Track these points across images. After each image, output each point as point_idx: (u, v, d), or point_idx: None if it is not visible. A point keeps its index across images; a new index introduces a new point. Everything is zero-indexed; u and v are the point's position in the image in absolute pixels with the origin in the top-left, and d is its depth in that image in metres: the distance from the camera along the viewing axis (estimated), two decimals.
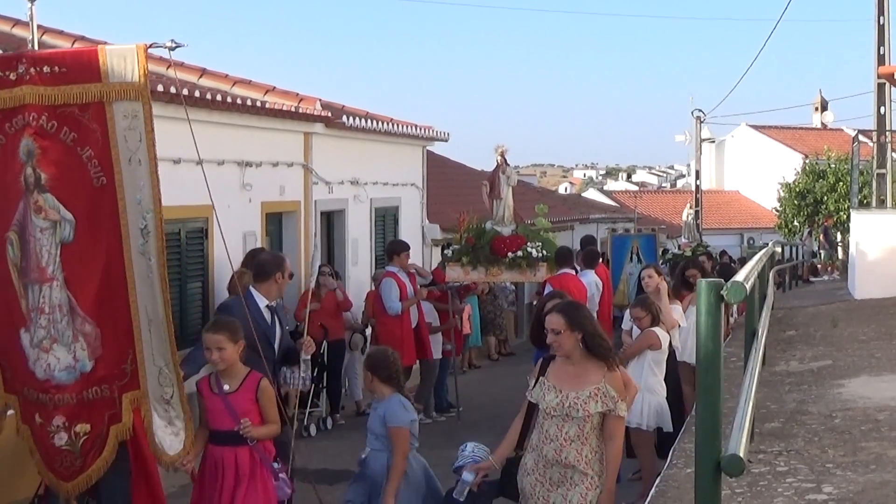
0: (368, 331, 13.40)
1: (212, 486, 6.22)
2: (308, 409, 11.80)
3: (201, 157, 10.96)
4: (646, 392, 8.72)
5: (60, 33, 13.24)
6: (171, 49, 6.16)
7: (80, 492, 6.13)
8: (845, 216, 28.57)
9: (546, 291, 10.76)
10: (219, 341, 6.25)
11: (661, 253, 22.31)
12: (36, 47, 6.25)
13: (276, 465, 6.33)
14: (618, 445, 5.67)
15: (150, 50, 5.98)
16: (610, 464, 5.62)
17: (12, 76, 5.84)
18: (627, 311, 9.69)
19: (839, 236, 31.64)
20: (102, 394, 6.01)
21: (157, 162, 5.93)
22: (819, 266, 28.80)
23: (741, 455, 3.61)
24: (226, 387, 6.25)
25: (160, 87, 9.74)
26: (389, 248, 13.09)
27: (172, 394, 6.08)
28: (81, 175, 5.88)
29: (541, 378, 5.81)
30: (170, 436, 6.12)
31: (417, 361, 12.85)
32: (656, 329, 8.84)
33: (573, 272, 12.11)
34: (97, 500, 6.30)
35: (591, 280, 13.03)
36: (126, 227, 5.88)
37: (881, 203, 19.32)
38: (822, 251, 29.57)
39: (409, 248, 12.89)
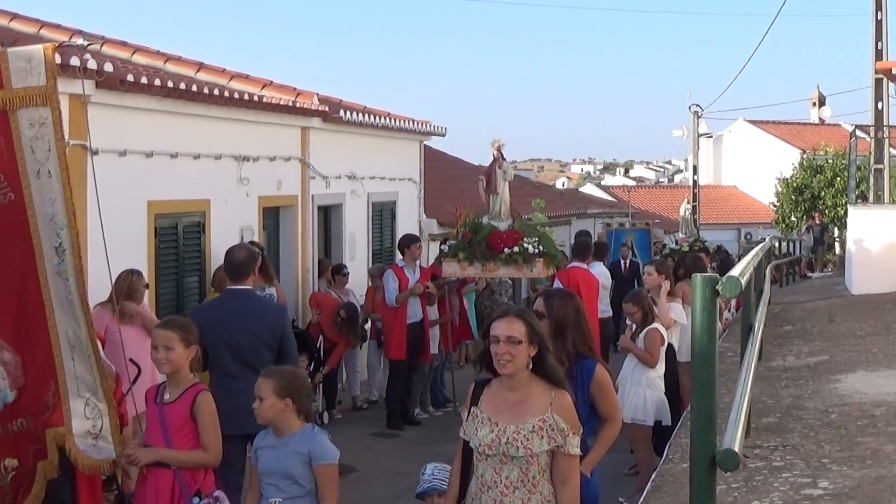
0: (368, 325, 13.42)
1: None
2: None
3: (200, 151, 11.08)
4: (646, 388, 8.75)
5: (58, 27, 13.22)
6: (85, 47, 5.86)
7: None
8: (843, 211, 28.55)
9: (555, 286, 10.69)
10: (168, 339, 5.53)
11: (659, 248, 22.35)
12: None
13: (197, 499, 5.37)
14: (572, 491, 4.44)
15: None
16: None
17: None
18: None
19: (836, 231, 31.62)
20: (27, 426, 5.66)
21: (69, 172, 5.44)
22: (814, 261, 28.80)
23: (736, 450, 3.62)
24: (166, 396, 5.52)
25: (157, 82, 9.73)
26: (399, 242, 13.09)
27: (102, 426, 5.67)
28: None
29: (472, 409, 4.61)
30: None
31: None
32: (656, 325, 8.86)
33: (585, 265, 11.94)
34: None
35: (598, 271, 13.03)
36: (40, 246, 5.46)
37: (878, 198, 19.34)
38: (818, 247, 29.57)
39: (416, 241, 12.82)
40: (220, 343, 6.89)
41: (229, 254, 7.35)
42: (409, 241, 12.73)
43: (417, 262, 12.73)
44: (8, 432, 5.66)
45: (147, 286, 8.69)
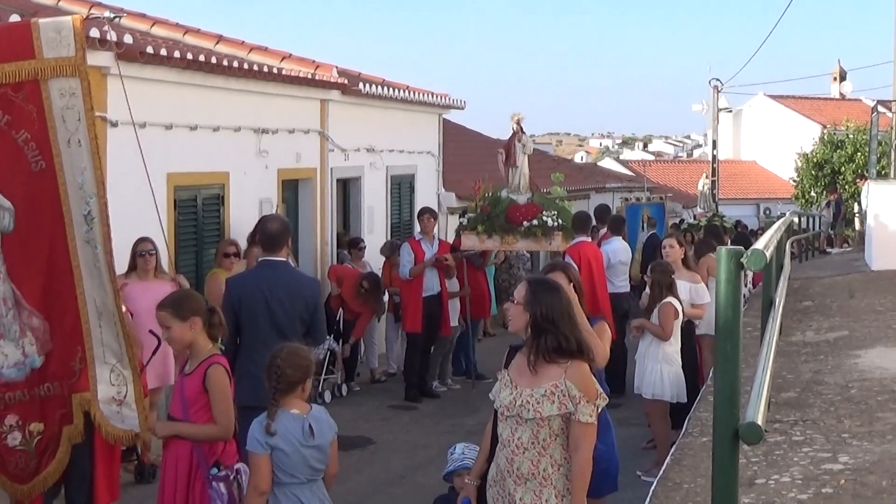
0: (385, 298, 13.43)
1: (161, 482, 5.60)
2: (323, 376, 11.85)
3: (219, 123, 11.10)
4: (663, 363, 8.73)
5: None
6: (110, 20, 5.87)
7: (38, 494, 5.84)
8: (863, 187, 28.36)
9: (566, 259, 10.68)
10: (163, 319, 5.52)
11: (679, 222, 22.28)
12: None
13: (216, 470, 5.34)
14: (584, 457, 4.55)
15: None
16: (575, 479, 4.56)
17: None
18: (685, 282, 9.58)
19: (856, 207, 31.45)
20: (54, 391, 5.75)
21: (98, 142, 5.54)
22: (833, 236, 28.66)
23: (759, 423, 3.61)
24: (187, 367, 5.56)
25: (177, 54, 9.72)
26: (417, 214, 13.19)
27: (126, 393, 5.75)
28: (18, 160, 5.53)
29: (503, 371, 4.86)
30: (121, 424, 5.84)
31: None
32: (670, 299, 8.82)
33: (589, 239, 11.99)
34: (65, 485, 6.07)
35: (617, 247, 12.92)
36: (69, 214, 5.54)
37: None
38: (836, 222, 29.39)
39: (424, 213, 12.78)
40: (256, 312, 6.87)
41: (264, 225, 7.36)
42: (419, 213, 12.82)
43: (436, 235, 12.70)
44: (35, 397, 5.76)
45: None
